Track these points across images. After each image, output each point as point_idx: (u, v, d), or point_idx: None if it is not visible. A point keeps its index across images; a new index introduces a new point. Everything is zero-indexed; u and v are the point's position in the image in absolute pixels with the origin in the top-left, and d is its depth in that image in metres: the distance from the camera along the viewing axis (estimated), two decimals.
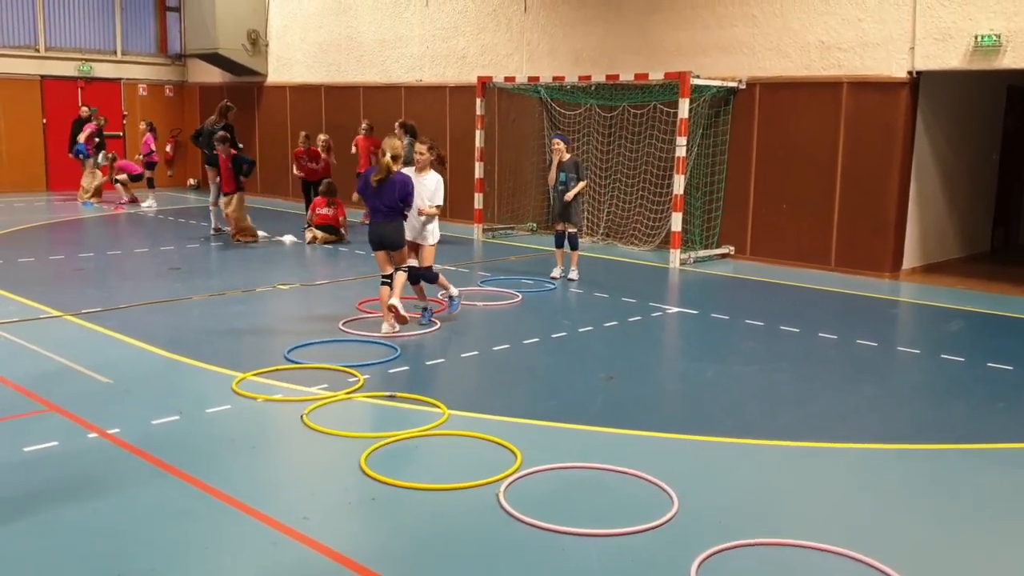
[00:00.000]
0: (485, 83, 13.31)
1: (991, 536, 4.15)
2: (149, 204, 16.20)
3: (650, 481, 4.52)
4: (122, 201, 16.42)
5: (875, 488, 4.64)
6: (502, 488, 4.36)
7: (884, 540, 3.98)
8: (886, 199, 10.66)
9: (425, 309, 7.77)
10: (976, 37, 9.66)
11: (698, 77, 11.31)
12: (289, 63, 17.81)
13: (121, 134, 19.16)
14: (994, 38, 9.52)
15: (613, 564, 3.72)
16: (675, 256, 11.27)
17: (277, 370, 6.32)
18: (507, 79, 13.23)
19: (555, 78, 12.71)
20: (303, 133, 14.11)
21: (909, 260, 11.01)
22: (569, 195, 9.69)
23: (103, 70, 19.21)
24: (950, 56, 9.96)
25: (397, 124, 12.54)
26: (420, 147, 7.61)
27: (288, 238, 12.50)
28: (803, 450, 5.12)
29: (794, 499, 4.50)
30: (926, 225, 11.25)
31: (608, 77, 11.98)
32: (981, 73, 10.24)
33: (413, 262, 7.65)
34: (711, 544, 3.83)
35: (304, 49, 17.46)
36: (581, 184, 9.79)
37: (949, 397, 6.30)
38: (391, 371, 6.40)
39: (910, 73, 10.30)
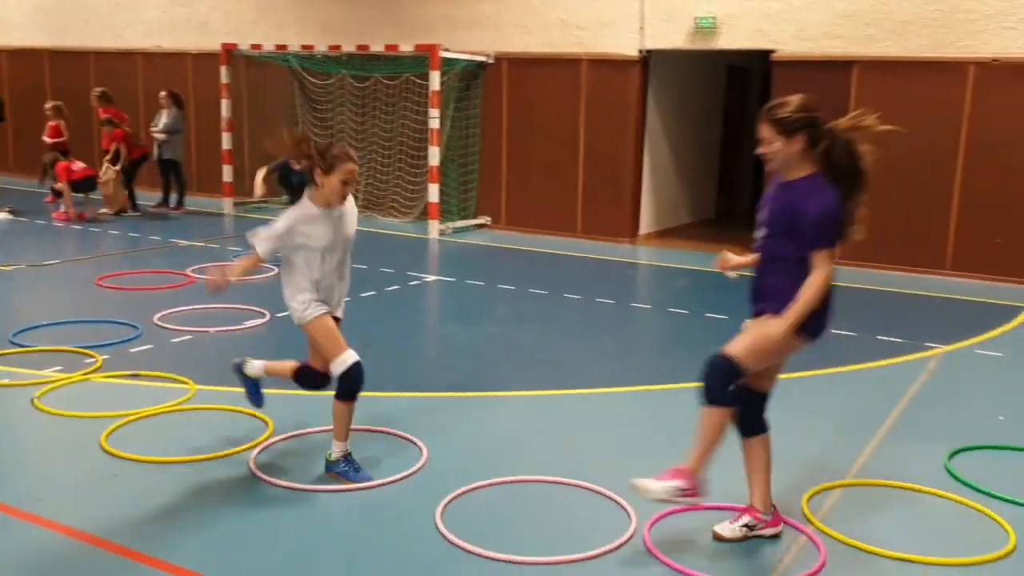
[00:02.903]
0: (230, 51, 12.79)
1: None
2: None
3: (401, 436, 4.65)
4: None
5: (614, 426, 5.07)
6: (253, 455, 4.34)
7: (618, 471, 4.34)
8: (623, 171, 11.43)
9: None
10: (695, 19, 10.56)
11: (447, 50, 11.52)
12: (5, 25, 16.12)
13: None
14: (711, 20, 10.46)
15: (364, 513, 3.86)
16: (434, 227, 11.48)
17: (1, 355, 5.83)
18: (253, 47, 12.77)
19: (304, 47, 12.45)
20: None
21: (645, 226, 11.90)
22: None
23: None
24: (675, 36, 10.81)
25: (164, 93, 11.55)
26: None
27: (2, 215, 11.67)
28: (550, 398, 5.47)
29: (542, 442, 4.80)
30: (659, 195, 12.19)
31: (359, 47, 11.91)
32: (702, 52, 11.21)
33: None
34: (458, 487, 4.04)
35: (21, 10, 15.86)
36: None
37: (675, 345, 7.01)
38: (132, 351, 6.09)
39: (640, 52, 11.07)
